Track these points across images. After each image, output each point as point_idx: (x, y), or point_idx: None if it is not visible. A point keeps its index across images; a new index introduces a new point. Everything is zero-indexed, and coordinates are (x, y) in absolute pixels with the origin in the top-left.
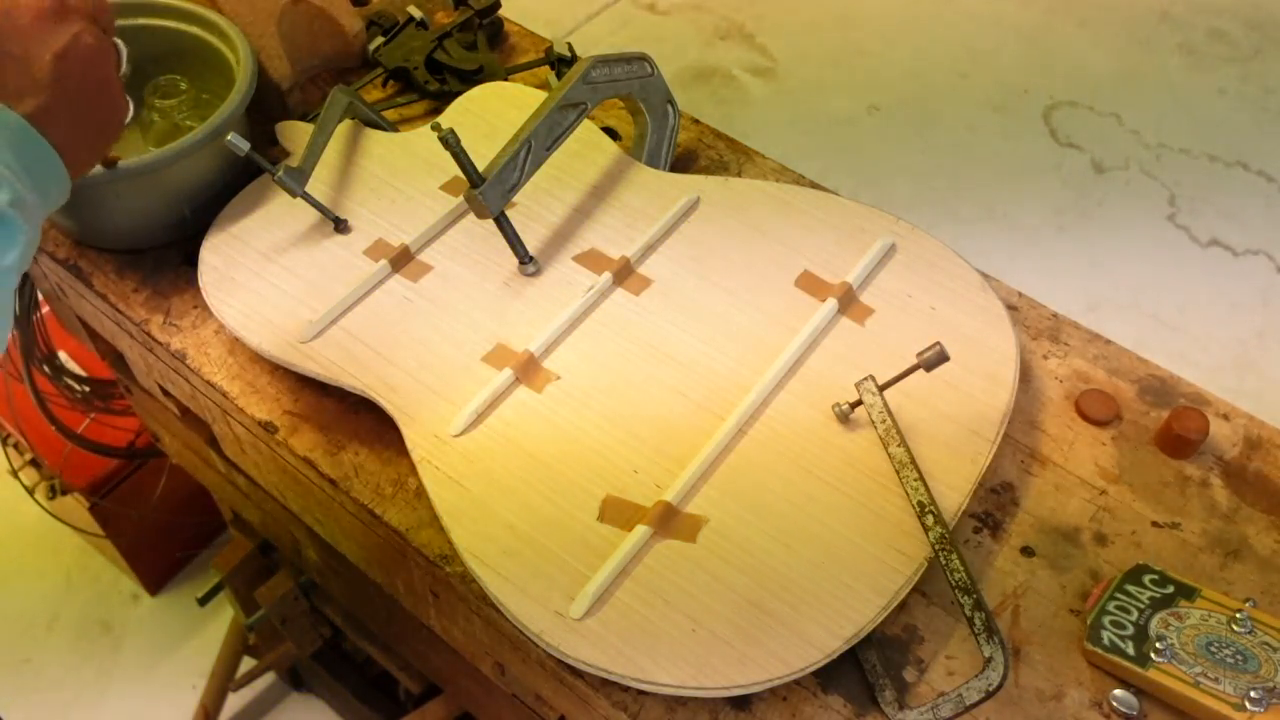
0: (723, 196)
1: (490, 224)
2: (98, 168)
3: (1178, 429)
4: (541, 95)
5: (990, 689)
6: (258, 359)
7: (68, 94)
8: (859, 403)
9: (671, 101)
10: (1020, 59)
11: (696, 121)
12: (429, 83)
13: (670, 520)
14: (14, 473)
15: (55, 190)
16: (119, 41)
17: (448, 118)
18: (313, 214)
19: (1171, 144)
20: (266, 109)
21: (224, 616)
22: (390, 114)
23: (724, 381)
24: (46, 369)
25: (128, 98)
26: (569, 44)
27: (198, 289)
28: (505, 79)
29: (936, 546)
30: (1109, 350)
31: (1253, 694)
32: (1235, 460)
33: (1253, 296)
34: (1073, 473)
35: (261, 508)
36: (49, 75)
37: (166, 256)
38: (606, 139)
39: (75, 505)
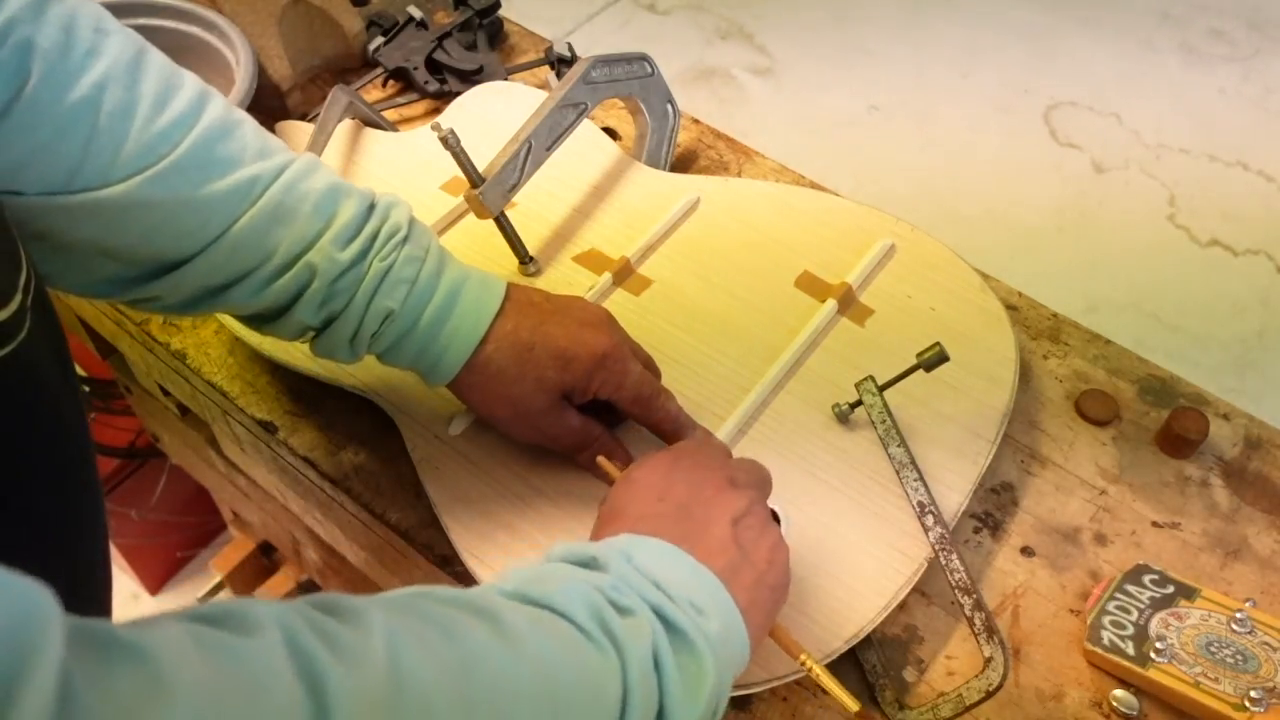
0: (723, 196)
1: (490, 224)
2: None
3: (1178, 429)
4: (541, 95)
5: (990, 689)
6: (257, 359)
7: (746, 553)
8: (859, 403)
9: (671, 101)
10: (1020, 59)
11: (696, 121)
12: (429, 83)
13: None
14: None
15: (737, 654)
16: (777, 509)
17: (448, 118)
18: None
19: (1171, 144)
20: (266, 109)
21: None
22: (390, 114)
23: (724, 381)
24: None
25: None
26: (569, 44)
27: None
28: (505, 79)
29: (936, 546)
30: (1109, 350)
31: (1253, 694)
32: (1235, 460)
33: (1253, 296)
34: (1073, 473)
35: (262, 508)
36: (729, 535)
37: None
38: (606, 139)
39: None
